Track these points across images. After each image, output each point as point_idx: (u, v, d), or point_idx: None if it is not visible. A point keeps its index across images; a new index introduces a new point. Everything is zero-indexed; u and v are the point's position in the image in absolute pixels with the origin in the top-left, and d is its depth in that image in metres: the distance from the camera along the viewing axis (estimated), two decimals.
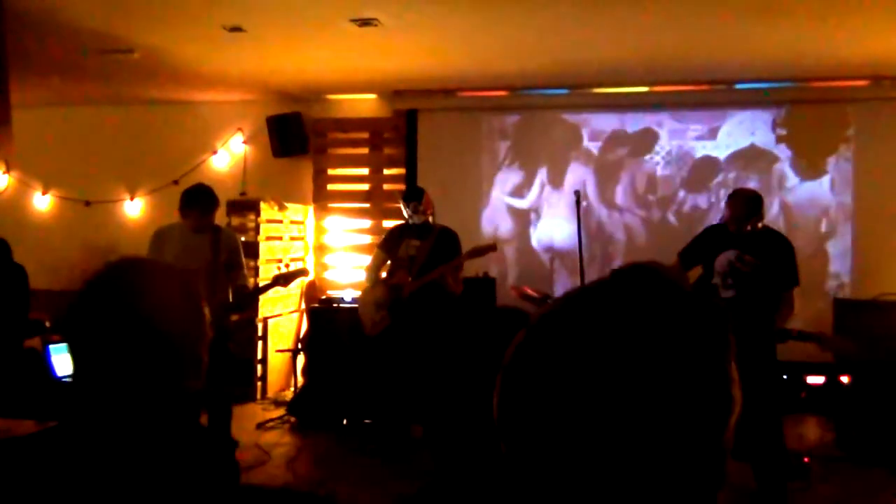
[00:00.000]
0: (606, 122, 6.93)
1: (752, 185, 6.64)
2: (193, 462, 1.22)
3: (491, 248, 5.22)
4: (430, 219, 5.23)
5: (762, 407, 4.13)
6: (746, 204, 4.28)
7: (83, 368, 1.24)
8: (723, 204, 6.48)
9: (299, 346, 7.00)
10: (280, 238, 7.17)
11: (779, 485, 4.15)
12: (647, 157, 6.84)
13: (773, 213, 6.60)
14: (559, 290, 6.75)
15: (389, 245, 5.38)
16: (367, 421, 5.70)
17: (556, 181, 7.00)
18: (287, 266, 7.06)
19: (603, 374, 0.73)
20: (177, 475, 1.18)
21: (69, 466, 1.17)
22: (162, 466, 1.18)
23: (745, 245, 4.24)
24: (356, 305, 5.86)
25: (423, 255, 5.11)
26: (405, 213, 5.23)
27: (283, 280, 4.74)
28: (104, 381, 1.22)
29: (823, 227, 6.53)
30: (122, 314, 1.22)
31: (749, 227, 4.24)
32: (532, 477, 0.77)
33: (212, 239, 4.63)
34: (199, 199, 4.59)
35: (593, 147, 6.95)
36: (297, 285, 7.28)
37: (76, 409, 1.22)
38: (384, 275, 5.52)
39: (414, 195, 5.25)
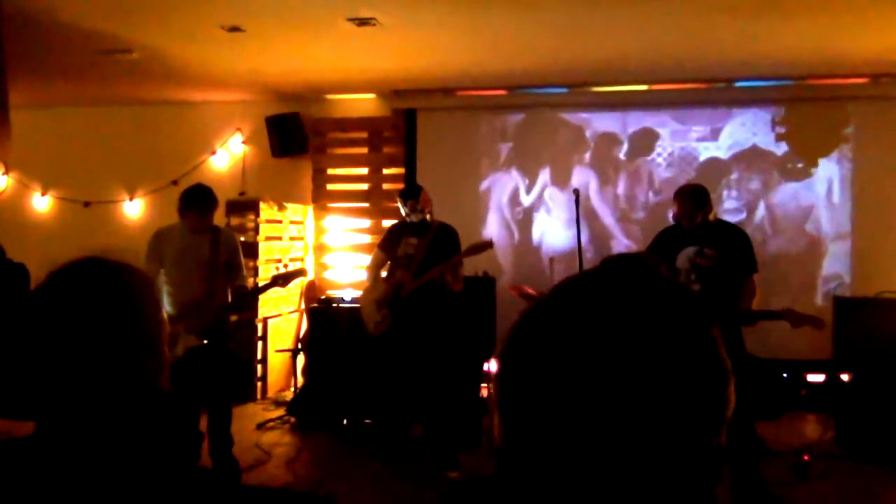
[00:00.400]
0: (607, 122, 6.92)
1: (753, 184, 6.67)
2: (178, 463, 1.21)
3: (487, 245, 5.21)
4: (428, 216, 5.22)
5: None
6: (692, 198, 4.45)
7: (43, 360, 1.22)
8: (726, 205, 6.57)
9: (299, 346, 7.00)
10: (279, 238, 7.17)
11: (750, 470, 4.18)
12: (649, 157, 6.84)
13: (773, 212, 6.61)
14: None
15: (388, 244, 5.37)
16: (367, 421, 5.69)
17: (555, 180, 7.00)
18: (286, 266, 7.06)
19: (595, 361, 0.74)
20: (159, 474, 1.17)
21: (44, 470, 1.16)
22: (137, 467, 1.16)
23: (703, 240, 4.39)
24: (356, 305, 5.86)
25: (421, 252, 5.10)
26: (403, 212, 5.22)
27: (281, 280, 4.73)
28: (64, 374, 1.21)
29: (823, 226, 6.53)
30: (85, 304, 1.22)
31: (699, 220, 4.40)
32: (527, 465, 0.78)
33: (211, 239, 4.62)
34: (197, 199, 4.59)
35: (593, 146, 6.95)
36: (297, 285, 7.28)
37: (39, 405, 1.22)
38: (384, 274, 5.52)
39: (411, 193, 5.24)
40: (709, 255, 4.36)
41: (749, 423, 4.34)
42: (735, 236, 4.49)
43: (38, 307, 1.24)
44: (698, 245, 4.39)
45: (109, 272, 1.29)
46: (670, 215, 4.75)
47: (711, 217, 4.48)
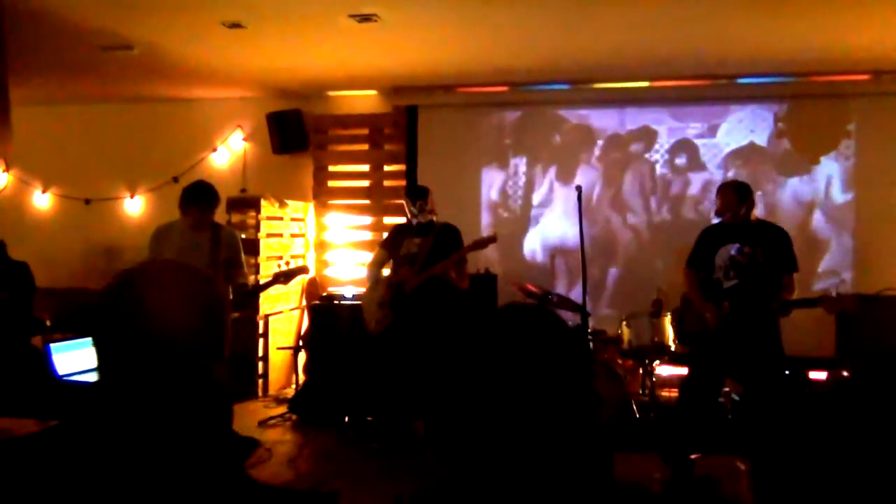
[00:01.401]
0: (607, 118, 6.91)
1: (752, 181, 6.61)
2: (200, 461, 1.21)
3: (492, 239, 5.21)
4: (434, 218, 5.22)
5: (769, 391, 4.26)
6: (737, 191, 4.59)
7: (109, 370, 1.23)
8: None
9: (300, 343, 7.00)
10: (281, 235, 7.16)
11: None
12: (648, 154, 6.83)
13: (774, 209, 6.59)
14: (560, 285, 6.75)
15: (391, 244, 5.37)
16: (368, 418, 5.69)
17: (556, 177, 6.99)
18: (287, 264, 7.05)
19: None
20: (193, 474, 1.17)
21: (81, 467, 1.16)
22: (182, 466, 1.17)
23: (743, 237, 4.50)
24: (357, 302, 5.85)
25: (424, 251, 5.09)
26: (410, 211, 5.21)
27: (283, 278, 4.72)
28: (127, 381, 1.21)
29: (825, 223, 6.52)
30: (146, 315, 1.22)
31: (743, 214, 4.52)
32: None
33: (212, 237, 4.62)
34: (198, 195, 4.58)
35: (593, 143, 6.93)
36: (298, 282, 7.28)
37: (96, 407, 1.22)
38: (387, 272, 5.51)
39: (420, 194, 5.25)
40: (746, 253, 4.46)
41: (787, 420, 4.32)
42: (776, 235, 4.59)
43: (101, 319, 1.25)
44: (739, 243, 4.48)
45: (166, 277, 1.30)
46: (712, 211, 4.93)
47: (752, 216, 4.60)
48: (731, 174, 6.63)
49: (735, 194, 4.55)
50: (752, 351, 4.40)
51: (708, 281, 4.58)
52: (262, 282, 5.42)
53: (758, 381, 4.43)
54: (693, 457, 4.50)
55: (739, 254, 4.47)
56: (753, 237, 4.50)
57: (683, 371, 6.08)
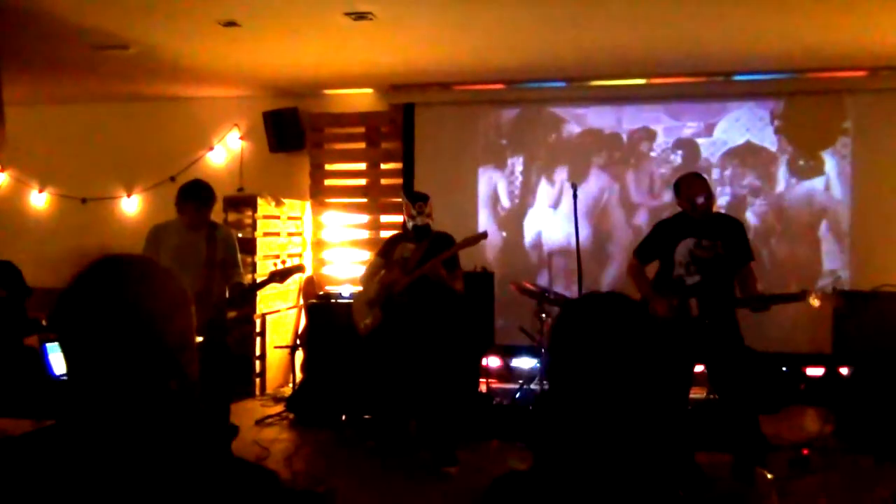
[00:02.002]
0: (604, 116, 6.91)
1: (749, 179, 6.66)
2: (191, 453, 1.21)
3: (482, 236, 5.20)
4: (430, 223, 5.22)
5: (737, 389, 4.23)
6: (704, 180, 4.48)
7: (74, 364, 1.23)
8: (721, 200, 6.56)
9: (297, 342, 6.99)
10: (277, 234, 7.15)
11: (754, 463, 4.20)
12: (644, 152, 6.83)
13: (772, 207, 6.60)
14: (556, 283, 6.74)
15: (386, 250, 5.36)
16: (365, 417, 5.69)
17: (553, 175, 6.99)
18: (283, 263, 7.05)
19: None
20: (175, 468, 1.17)
21: (67, 465, 1.16)
22: (160, 461, 1.17)
23: (700, 231, 4.38)
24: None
25: (417, 255, 5.08)
26: (410, 213, 5.19)
27: (278, 277, 4.72)
28: (96, 378, 1.21)
29: (822, 219, 6.52)
30: (111, 309, 1.21)
31: (711, 206, 4.42)
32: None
33: (208, 236, 4.62)
34: (195, 192, 4.59)
35: (590, 141, 6.93)
36: (295, 281, 7.27)
37: (70, 406, 1.22)
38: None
39: (420, 196, 5.24)
40: (706, 247, 4.35)
41: (752, 416, 4.33)
42: (731, 226, 4.49)
43: (65, 311, 1.24)
44: (696, 237, 4.37)
45: (126, 270, 1.29)
46: (671, 203, 4.76)
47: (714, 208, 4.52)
48: (728, 172, 6.64)
49: (702, 182, 4.44)
50: (718, 355, 4.32)
51: (667, 277, 4.44)
52: (258, 280, 5.41)
53: (723, 364, 4.34)
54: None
55: (699, 248, 4.35)
56: (712, 230, 4.38)
57: None
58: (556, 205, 6.96)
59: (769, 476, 4.36)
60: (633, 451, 1.29)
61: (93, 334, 1.21)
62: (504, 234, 7.08)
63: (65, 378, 1.25)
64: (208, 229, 4.64)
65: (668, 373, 1.34)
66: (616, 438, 1.29)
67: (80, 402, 1.21)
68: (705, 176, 4.64)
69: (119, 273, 1.28)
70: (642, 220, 6.81)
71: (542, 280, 6.60)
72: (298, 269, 4.97)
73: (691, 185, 4.43)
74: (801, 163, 6.57)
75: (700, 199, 4.35)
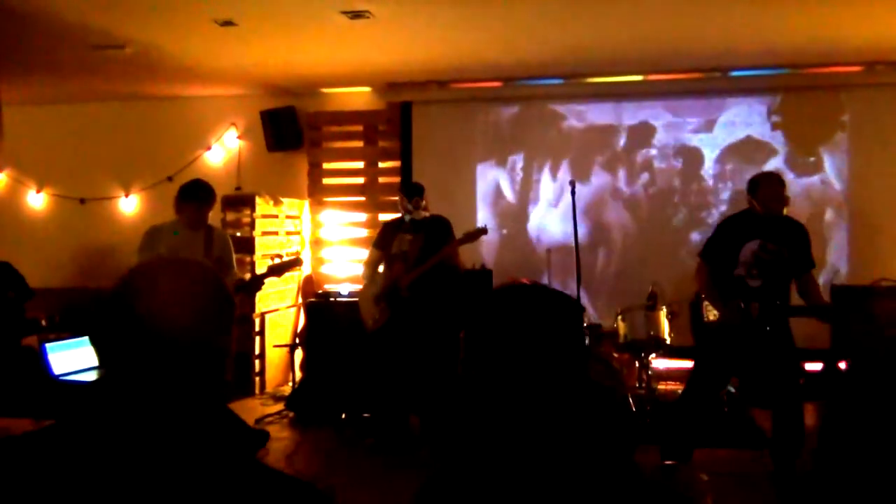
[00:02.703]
0: (602, 113, 6.91)
1: (748, 174, 6.63)
2: (221, 458, 1.21)
3: (482, 231, 5.21)
4: (427, 215, 5.23)
5: (787, 389, 4.21)
6: (783, 183, 4.38)
7: (111, 367, 1.24)
8: (726, 195, 6.56)
9: (297, 340, 7.00)
10: (276, 233, 7.15)
11: (790, 464, 4.20)
12: (643, 149, 6.83)
13: None
14: (555, 280, 6.75)
15: (383, 242, 5.37)
16: (365, 415, 5.69)
17: (551, 172, 6.99)
18: (281, 257, 7.04)
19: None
20: (204, 471, 1.18)
21: (86, 464, 1.16)
22: (189, 463, 1.17)
23: (767, 233, 4.29)
24: (353, 299, 5.86)
25: (416, 247, 5.10)
26: (406, 208, 5.20)
27: (276, 270, 4.73)
28: (133, 382, 1.21)
29: (819, 214, 6.53)
30: (154, 315, 1.22)
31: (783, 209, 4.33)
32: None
33: (205, 237, 4.64)
34: (196, 191, 4.61)
35: (589, 138, 6.94)
36: (294, 280, 7.28)
37: (99, 406, 1.22)
38: (381, 270, 5.51)
39: (416, 191, 5.25)
40: (771, 251, 4.27)
41: (799, 418, 4.28)
42: (796, 231, 4.39)
43: (110, 318, 1.25)
44: (761, 239, 4.28)
45: (180, 275, 1.30)
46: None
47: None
48: (728, 168, 6.64)
49: (783, 186, 4.35)
50: (771, 357, 4.27)
51: (728, 276, 4.34)
52: (257, 273, 5.42)
53: (769, 378, 4.33)
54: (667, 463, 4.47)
55: (763, 250, 4.26)
56: (778, 234, 4.28)
57: (679, 364, 6.10)
58: (554, 202, 6.96)
59: (705, 478, 4.38)
60: (555, 443, 1.26)
61: (131, 340, 1.22)
62: (503, 231, 7.09)
63: (67, 378, 1.26)
64: (205, 230, 4.66)
65: (581, 363, 1.34)
66: (532, 430, 1.27)
67: (114, 405, 1.21)
68: (783, 180, 4.50)
69: (161, 278, 1.29)
70: (641, 215, 6.82)
71: (541, 277, 6.60)
72: (296, 262, 4.98)
73: (770, 186, 4.32)
74: (799, 158, 6.58)
75: (776, 206, 4.28)
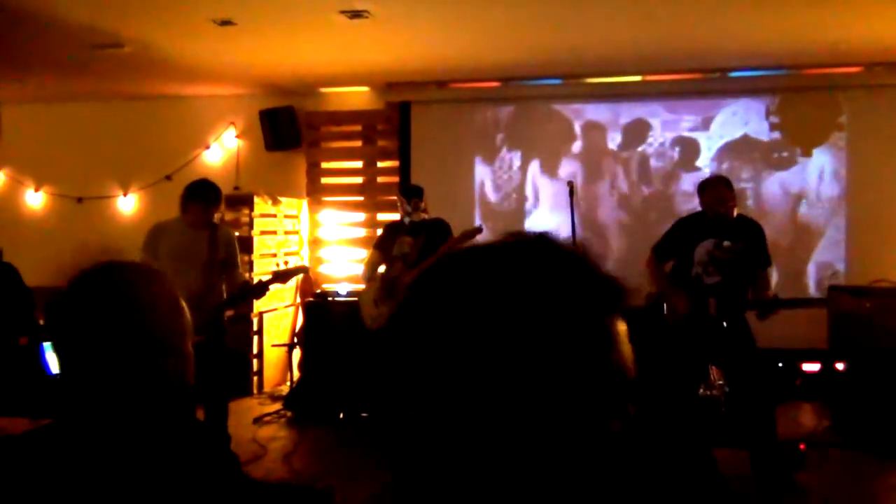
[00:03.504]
0: (600, 113, 6.91)
1: (745, 174, 6.66)
2: (189, 456, 1.22)
3: (477, 230, 5.22)
4: (426, 217, 5.23)
5: (752, 391, 4.22)
6: (729, 186, 4.43)
7: (69, 366, 1.25)
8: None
9: (295, 340, 7.00)
10: (274, 232, 7.15)
11: (780, 473, 4.18)
12: (641, 148, 6.83)
13: (768, 202, 6.61)
14: None
15: (383, 244, 5.37)
16: (363, 414, 5.70)
17: (549, 172, 6.99)
18: (286, 263, 7.05)
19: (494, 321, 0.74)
20: (172, 470, 1.18)
21: (65, 464, 1.17)
22: (157, 461, 1.18)
23: (721, 232, 4.35)
24: (352, 299, 5.86)
25: (416, 249, 5.10)
26: (404, 209, 5.20)
27: (282, 277, 4.73)
28: (91, 379, 1.22)
29: (817, 215, 6.54)
30: (106, 312, 1.23)
31: (731, 210, 4.36)
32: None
33: (209, 236, 4.62)
34: (203, 190, 4.60)
35: (587, 138, 6.94)
36: (293, 279, 7.27)
37: (65, 406, 1.23)
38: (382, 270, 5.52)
39: (415, 193, 5.25)
40: (727, 248, 4.32)
41: (769, 414, 4.31)
42: (752, 230, 4.45)
43: (59, 318, 1.25)
44: (716, 238, 4.33)
45: (120, 277, 1.30)
46: (697, 205, 4.68)
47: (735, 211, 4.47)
48: (724, 167, 6.64)
49: (728, 189, 4.41)
50: (731, 339, 4.32)
51: (685, 276, 4.43)
52: (263, 280, 5.43)
53: (738, 364, 4.34)
54: None
55: (719, 249, 4.32)
56: (733, 232, 4.35)
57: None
58: (553, 201, 6.96)
59: None
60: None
61: (86, 339, 1.22)
62: (499, 230, 7.06)
63: (59, 378, 1.26)
64: (210, 230, 4.65)
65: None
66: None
67: (74, 404, 1.22)
68: (730, 181, 4.57)
69: (112, 279, 1.29)
70: (639, 215, 6.82)
71: None
72: (302, 269, 4.99)
73: (715, 191, 4.39)
74: (797, 158, 6.58)
75: (721, 209, 4.32)
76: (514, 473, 0.74)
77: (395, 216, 5.48)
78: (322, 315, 6.26)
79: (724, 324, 4.27)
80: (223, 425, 4.49)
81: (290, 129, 7.39)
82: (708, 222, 4.40)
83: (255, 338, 6.79)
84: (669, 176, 6.79)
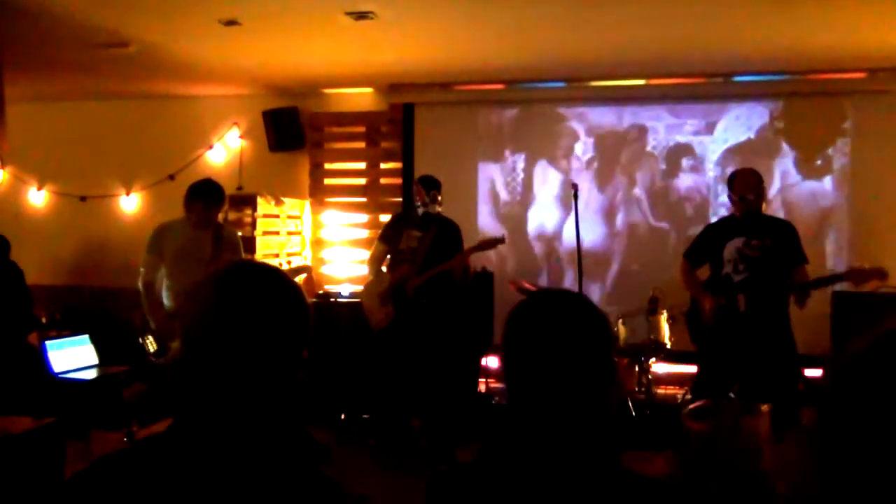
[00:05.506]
0: (604, 116, 6.91)
1: None
2: (304, 468, 1.23)
3: (499, 240, 5.22)
4: (440, 210, 5.22)
5: (781, 387, 4.23)
6: (759, 178, 4.54)
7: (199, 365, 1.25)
8: (722, 199, 6.55)
9: None
10: (277, 233, 7.15)
11: None
12: (644, 151, 6.83)
13: (771, 206, 6.60)
14: (557, 283, 6.75)
15: (390, 236, 5.36)
16: (365, 416, 5.69)
17: (553, 175, 6.99)
18: (289, 263, 7.05)
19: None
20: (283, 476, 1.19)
21: (188, 471, 1.16)
22: (273, 469, 1.18)
23: (750, 231, 4.45)
24: (354, 300, 5.86)
25: (425, 246, 5.09)
26: (423, 199, 5.18)
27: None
28: (220, 382, 1.21)
29: (821, 220, 6.53)
30: (243, 314, 1.26)
31: (761, 203, 4.49)
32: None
33: (214, 236, 4.63)
34: (206, 190, 4.62)
35: (590, 141, 6.94)
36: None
37: (188, 411, 1.22)
38: (385, 268, 5.51)
39: (435, 184, 5.25)
40: (755, 246, 4.42)
41: (796, 413, 4.33)
42: (782, 228, 4.56)
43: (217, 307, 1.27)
44: (745, 236, 4.44)
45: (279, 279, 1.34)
46: (717, 208, 4.80)
47: (764, 207, 4.60)
48: (729, 172, 6.61)
49: (757, 177, 4.51)
50: (767, 353, 4.34)
51: (717, 276, 4.54)
52: None
53: (768, 383, 4.36)
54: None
55: (747, 247, 4.42)
56: (761, 230, 4.45)
57: (679, 368, 6.10)
58: (556, 204, 6.96)
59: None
60: (581, 446, 1.33)
61: (221, 337, 1.24)
62: (504, 233, 7.07)
63: (65, 376, 1.25)
64: (214, 230, 4.66)
65: (611, 369, 1.46)
66: (565, 433, 1.34)
67: (201, 407, 1.21)
68: (759, 174, 4.66)
69: (244, 279, 1.32)
70: (643, 218, 6.82)
71: (542, 280, 6.60)
72: (305, 269, 5.00)
73: (744, 177, 4.53)
74: (801, 163, 6.57)
75: (750, 196, 4.43)
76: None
77: (401, 212, 5.47)
78: (324, 316, 6.25)
79: (753, 320, 4.31)
80: None
81: (293, 129, 7.39)
82: (737, 222, 4.52)
83: None
84: (673, 179, 6.78)
